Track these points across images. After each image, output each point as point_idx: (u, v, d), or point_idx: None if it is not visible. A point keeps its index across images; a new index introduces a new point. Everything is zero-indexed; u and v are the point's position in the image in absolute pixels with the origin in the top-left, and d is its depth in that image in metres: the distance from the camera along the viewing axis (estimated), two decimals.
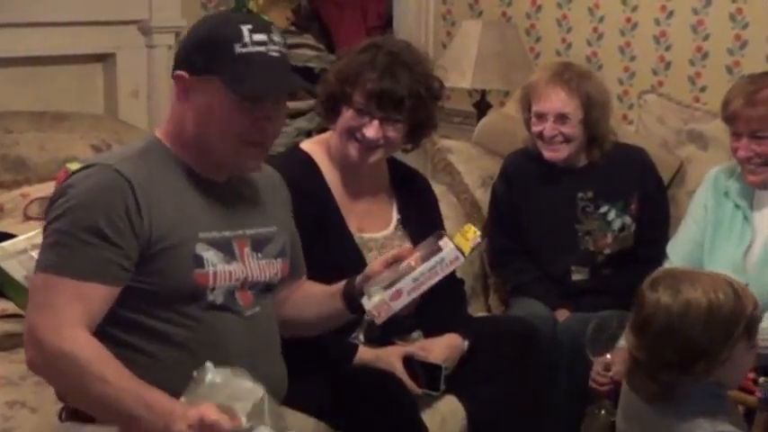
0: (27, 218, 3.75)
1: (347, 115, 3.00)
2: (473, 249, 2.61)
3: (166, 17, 5.05)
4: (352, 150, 3.03)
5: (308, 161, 3.10)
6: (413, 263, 2.53)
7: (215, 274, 2.36)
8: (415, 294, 2.49)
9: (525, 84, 3.89)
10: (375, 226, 3.15)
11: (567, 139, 3.72)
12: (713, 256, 3.45)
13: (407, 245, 2.81)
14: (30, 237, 3.48)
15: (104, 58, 4.95)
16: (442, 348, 3.05)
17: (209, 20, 2.45)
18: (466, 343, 3.10)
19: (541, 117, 3.73)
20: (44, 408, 2.86)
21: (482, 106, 5.11)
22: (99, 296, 2.27)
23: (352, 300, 2.61)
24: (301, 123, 5.85)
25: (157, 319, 2.34)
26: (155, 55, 5.02)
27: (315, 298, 2.71)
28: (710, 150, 4.06)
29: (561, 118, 3.69)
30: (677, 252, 3.53)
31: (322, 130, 3.30)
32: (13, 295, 3.38)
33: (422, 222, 3.19)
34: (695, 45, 4.66)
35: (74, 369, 2.20)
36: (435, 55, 5.26)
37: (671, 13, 4.73)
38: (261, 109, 2.38)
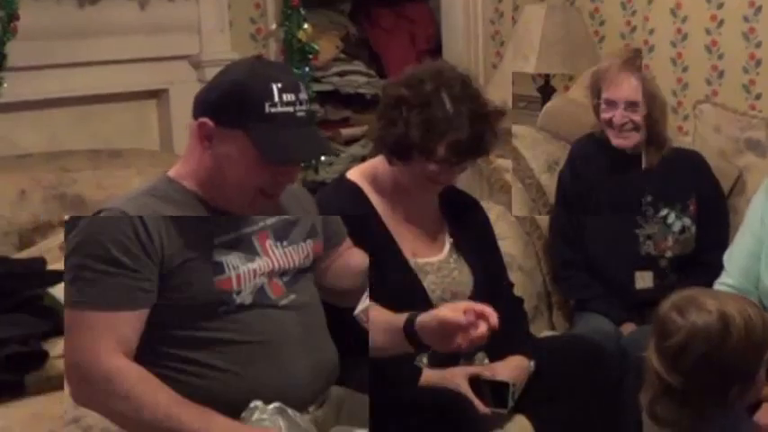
0: None
1: (428, 166, 2.96)
2: None
3: (217, 51, 5.08)
4: (424, 190, 3.06)
5: (356, 190, 3.09)
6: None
7: (238, 276, 2.38)
8: None
9: (595, 70, 3.92)
10: (429, 251, 3.14)
11: (637, 127, 3.75)
12: None
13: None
14: None
15: (158, 94, 4.99)
16: (509, 370, 3.04)
17: (238, 71, 2.43)
18: (532, 363, 3.08)
19: (612, 104, 3.76)
20: None
21: (546, 91, 5.10)
22: (128, 322, 2.30)
23: (412, 333, 2.58)
24: (355, 150, 5.87)
25: (204, 330, 2.36)
26: None
27: (352, 276, 2.70)
28: None
29: (632, 105, 3.74)
30: (734, 264, 3.48)
31: (375, 154, 3.28)
32: None
33: (476, 245, 3.21)
34: (748, 52, 4.63)
35: (118, 396, 2.24)
36: (486, 77, 5.27)
37: (721, 22, 4.70)
38: (284, 169, 2.43)
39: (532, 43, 4.95)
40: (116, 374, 2.25)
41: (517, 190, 4.05)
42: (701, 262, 3.76)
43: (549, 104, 4.61)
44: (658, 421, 2.39)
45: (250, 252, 2.42)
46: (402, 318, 2.59)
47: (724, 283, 3.40)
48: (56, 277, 3.52)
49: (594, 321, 3.68)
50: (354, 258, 2.74)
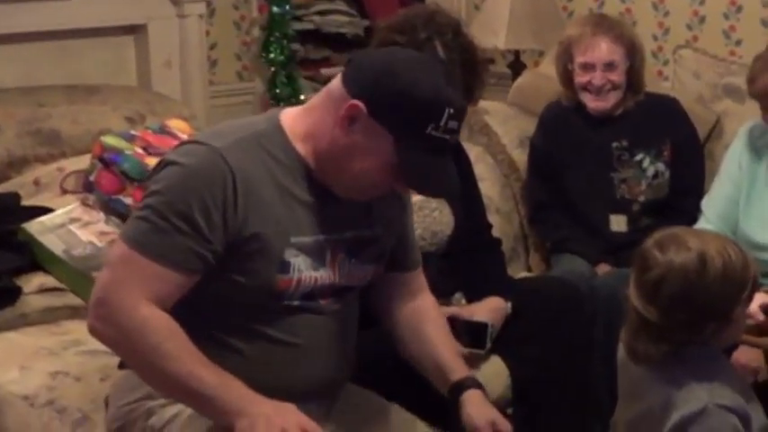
0: (64, 191, 3.75)
1: None
2: None
3: None
4: None
5: None
6: None
7: (299, 279, 2.31)
8: None
9: (563, 37, 3.92)
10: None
11: (615, 87, 3.79)
12: (748, 214, 3.43)
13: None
14: (67, 211, 3.49)
15: (136, 30, 4.93)
16: (486, 311, 3.05)
17: (423, 79, 2.23)
18: (509, 304, 3.10)
19: (588, 68, 3.79)
20: (87, 377, 2.89)
21: (516, 67, 5.09)
22: (175, 283, 2.24)
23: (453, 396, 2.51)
24: None
25: (247, 318, 2.32)
26: (186, 25, 4.99)
27: (427, 350, 2.58)
28: (747, 103, 4.01)
29: (609, 66, 3.77)
30: (712, 209, 3.52)
31: None
32: (52, 269, 3.38)
33: None
34: None
35: (147, 345, 2.20)
36: (468, 17, 5.24)
37: None
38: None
39: (501, 19, 4.94)
40: (149, 324, 2.20)
41: (489, 166, 4.04)
42: (676, 208, 3.80)
43: (519, 80, 4.60)
44: (637, 357, 2.41)
45: (318, 261, 2.34)
46: (455, 372, 2.52)
47: (702, 228, 3.41)
48: (30, 212, 3.51)
49: (570, 263, 3.72)
50: (433, 336, 2.59)
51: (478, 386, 2.52)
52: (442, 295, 3.09)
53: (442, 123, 2.21)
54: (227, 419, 2.18)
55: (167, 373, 2.21)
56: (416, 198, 3.10)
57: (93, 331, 2.29)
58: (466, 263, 3.17)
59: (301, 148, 2.32)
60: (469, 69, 2.95)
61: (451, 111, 2.22)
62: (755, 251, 3.26)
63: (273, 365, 2.33)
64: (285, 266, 2.29)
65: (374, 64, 2.29)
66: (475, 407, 2.46)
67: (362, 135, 2.24)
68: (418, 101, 2.20)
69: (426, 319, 2.61)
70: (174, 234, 2.21)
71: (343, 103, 2.24)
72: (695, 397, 2.32)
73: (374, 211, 2.43)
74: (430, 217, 3.13)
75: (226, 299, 2.30)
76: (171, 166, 2.26)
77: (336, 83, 2.30)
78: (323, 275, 2.35)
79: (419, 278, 2.66)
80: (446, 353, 2.56)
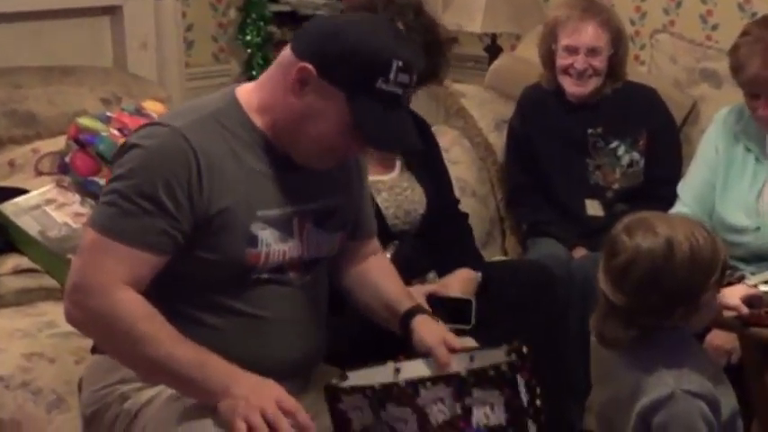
0: (39, 173, 3.74)
1: None
2: None
3: None
4: None
5: None
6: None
7: (267, 254, 2.32)
8: None
9: (550, 18, 3.93)
10: (380, 170, 3.16)
11: (597, 73, 3.79)
12: (725, 197, 3.43)
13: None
14: (42, 192, 3.48)
15: (112, 11, 4.91)
16: (458, 283, 3.07)
17: (366, 32, 2.26)
18: (479, 274, 3.12)
19: (572, 51, 3.79)
20: (62, 358, 2.88)
21: (493, 50, 5.08)
22: (148, 264, 2.24)
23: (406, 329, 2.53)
24: None
25: (217, 294, 2.32)
26: (162, 6, 4.98)
27: (375, 293, 2.60)
28: (724, 88, 4.05)
29: (592, 51, 3.77)
30: (688, 193, 3.51)
31: None
32: (27, 250, 3.37)
33: (427, 165, 3.23)
34: None
35: (122, 329, 2.20)
36: (445, 2, 5.23)
37: None
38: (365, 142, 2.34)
39: (478, 2, 4.92)
40: (124, 307, 2.20)
41: (465, 149, 4.05)
42: (653, 195, 3.76)
43: (496, 63, 4.58)
44: (605, 342, 2.42)
45: (286, 232, 2.34)
46: (402, 304, 2.55)
47: (678, 212, 3.42)
48: (5, 194, 3.49)
49: (547, 246, 3.72)
50: (379, 278, 2.61)
51: (427, 313, 2.55)
52: (417, 274, 3.12)
53: (391, 77, 2.22)
54: (209, 399, 2.19)
55: (146, 357, 2.21)
56: (388, 177, 3.13)
57: (70, 318, 2.29)
58: (436, 239, 3.18)
59: (259, 120, 2.34)
60: (433, 49, 2.95)
61: (400, 63, 2.23)
62: (732, 234, 3.28)
63: (244, 339, 2.33)
64: (253, 240, 2.30)
65: (321, 27, 2.32)
66: (425, 329, 2.48)
67: (315, 97, 2.26)
68: (365, 56, 2.22)
69: (372, 267, 2.63)
70: (141, 216, 2.22)
71: (293, 69, 2.26)
72: (663, 382, 2.32)
73: (335, 179, 2.44)
74: (402, 195, 3.14)
75: (195, 276, 2.30)
76: (133, 149, 2.27)
77: (286, 51, 2.32)
78: (291, 248, 2.36)
79: (373, 245, 2.68)
80: (392, 290, 2.59)
